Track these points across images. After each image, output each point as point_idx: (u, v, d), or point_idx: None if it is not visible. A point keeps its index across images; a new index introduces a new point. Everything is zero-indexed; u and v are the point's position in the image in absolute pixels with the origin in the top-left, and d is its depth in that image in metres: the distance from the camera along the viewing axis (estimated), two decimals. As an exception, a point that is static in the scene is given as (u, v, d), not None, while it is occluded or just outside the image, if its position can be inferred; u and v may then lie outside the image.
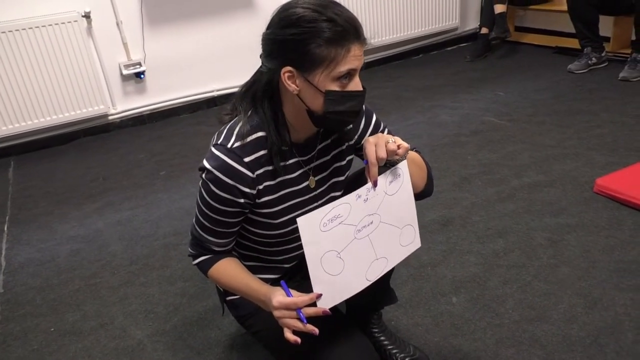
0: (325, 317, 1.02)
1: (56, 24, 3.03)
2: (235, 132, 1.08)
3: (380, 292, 1.40)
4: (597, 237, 1.87)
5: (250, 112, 1.10)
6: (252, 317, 1.28)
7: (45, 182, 2.78)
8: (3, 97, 3.01)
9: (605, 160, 2.38)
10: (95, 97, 3.27)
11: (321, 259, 1.00)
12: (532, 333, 1.49)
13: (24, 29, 2.96)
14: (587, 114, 2.92)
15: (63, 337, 1.66)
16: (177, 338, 1.60)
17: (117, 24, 3.27)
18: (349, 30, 0.96)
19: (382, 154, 1.00)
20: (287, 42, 0.99)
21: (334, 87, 1.00)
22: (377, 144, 1.01)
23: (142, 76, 3.44)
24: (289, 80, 1.02)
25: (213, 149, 1.08)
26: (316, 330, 1.00)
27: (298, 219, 0.96)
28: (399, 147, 1.02)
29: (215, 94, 3.66)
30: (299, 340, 1.00)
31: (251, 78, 1.12)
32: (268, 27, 1.03)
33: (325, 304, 1.02)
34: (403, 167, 1.08)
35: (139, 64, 3.39)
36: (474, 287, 1.70)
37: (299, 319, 1.00)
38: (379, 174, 1.03)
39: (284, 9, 1.01)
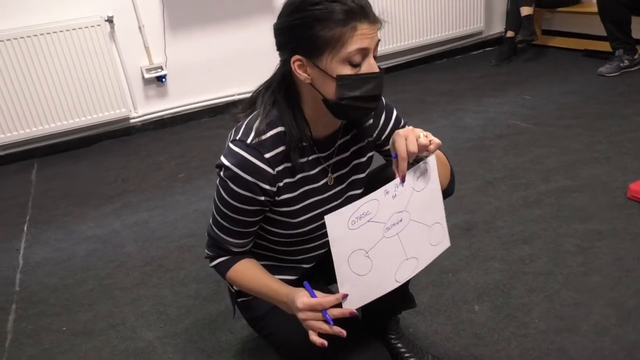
0: (342, 321, 0.96)
1: (79, 28, 3.06)
2: (255, 128, 1.03)
3: (398, 295, 1.33)
4: (631, 245, 1.76)
5: (269, 107, 1.05)
6: (264, 319, 1.23)
7: (65, 184, 2.80)
8: (27, 100, 3.05)
9: (639, 164, 2.27)
10: (117, 100, 3.29)
11: (348, 258, 0.95)
12: (560, 345, 1.40)
13: (48, 33, 2.99)
14: (619, 117, 2.80)
15: (75, 337, 1.63)
16: (188, 341, 1.56)
17: (139, 28, 3.29)
18: (353, 9, 0.91)
19: (413, 148, 0.94)
20: (292, 28, 0.95)
21: (345, 70, 0.94)
22: (408, 138, 0.95)
23: (163, 80, 3.45)
24: (300, 70, 0.98)
25: (231, 145, 1.04)
26: (344, 332, 0.94)
27: (326, 217, 0.92)
28: (430, 142, 0.96)
29: (235, 97, 3.65)
30: (325, 343, 0.94)
31: (272, 75, 1.09)
32: (277, 18, 0.99)
33: (351, 305, 0.97)
34: (431, 162, 1.02)
35: (161, 67, 3.40)
36: (497, 294, 1.61)
37: (325, 320, 0.94)
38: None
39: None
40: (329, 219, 0.92)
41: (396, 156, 0.97)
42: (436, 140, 0.98)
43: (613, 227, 1.88)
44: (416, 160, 1.00)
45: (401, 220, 1.00)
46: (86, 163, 3.08)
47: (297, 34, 0.95)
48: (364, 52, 0.94)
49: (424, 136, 0.96)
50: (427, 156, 1.00)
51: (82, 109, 3.20)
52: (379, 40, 0.97)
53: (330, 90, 0.97)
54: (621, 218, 1.92)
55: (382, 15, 0.97)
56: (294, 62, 0.97)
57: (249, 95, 1.14)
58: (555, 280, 1.65)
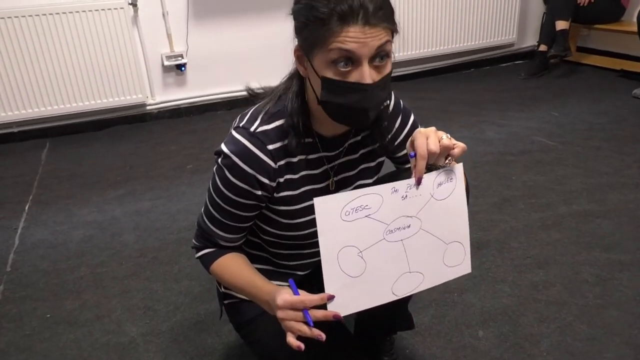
0: (330, 335, 0.87)
1: (102, 10, 3.03)
2: (261, 116, 0.96)
3: (395, 313, 1.24)
4: (655, 280, 1.64)
5: (278, 96, 0.98)
6: (249, 325, 1.15)
7: (74, 166, 2.76)
8: (45, 78, 3.02)
9: (669, 194, 2.13)
10: (135, 86, 3.25)
11: (338, 253, 0.85)
12: (569, 382, 1.29)
13: (71, 12, 2.96)
14: (652, 142, 2.65)
15: (57, 325, 1.57)
16: (172, 340, 1.49)
17: (163, 15, 3.25)
18: (346, 9, 0.80)
19: (435, 147, 0.85)
20: (294, 18, 0.88)
21: (330, 73, 0.85)
22: (430, 137, 0.86)
23: (183, 69, 3.40)
24: (299, 62, 0.91)
25: (234, 132, 0.96)
26: (323, 336, 0.85)
27: (315, 199, 0.82)
28: (454, 145, 0.87)
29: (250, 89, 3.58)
30: (302, 346, 0.85)
31: None
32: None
33: (337, 310, 0.87)
34: (458, 170, 0.91)
35: (181, 56, 3.35)
36: (505, 321, 1.50)
37: (306, 322, 0.85)
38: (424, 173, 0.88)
39: None
40: (318, 202, 0.82)
41: (414, 155, 0.87)
42: (461, 144, 0.88)
43: (637, 258, 1.74)
44: (435, 167, 0.90)
45: (409, 227, 0.90)
46: (97, 146, 3.04)
47: (297, 26, 0.88)
48: (350, 57, 0.83)
49: (448, 138, 0.87)
50: (448, 164, 0.89)
51: (98, 91, 3.17)
52: (384, 50, 0.85)
53: (317, 89, 0.89)
54: (646, 250, 1.79)
55: (400, 21, 0.86)
56: (295, 52, 0.91)
57: (261, 91, 1.07)
58: (569, 311, 1.53)
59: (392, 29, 0.85)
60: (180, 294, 1.69)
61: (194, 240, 1.08)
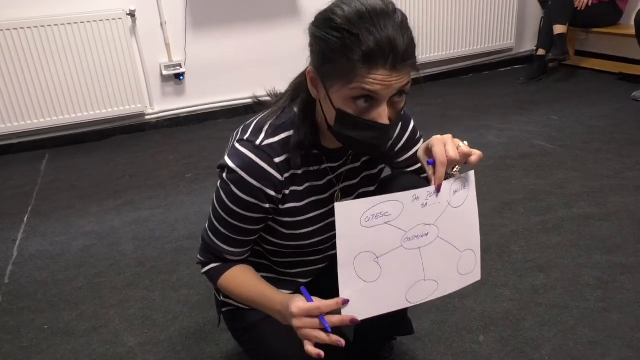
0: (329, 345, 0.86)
1: (101, 20, 3.04)
2: (265, 128, 0.95)
3: (395, 318, 1.22)
4: (657, 282, 1.62)
5: (283, 108, 0.98)
6: (248, 332, 1.14)
7: (73, 176, 2.76)
8: (43, 89, 3.03)
9: (670, 195, 2.12)
10: (133, 95, 3.26)
11: (355, 258, 0.85)
12: (571, 387, 1.27)
13: (69, 24, 2.98)
14: (652, 144, 2.64)
15: (55, 337, 1.56)
16: (170, 350, 1.48)
17: (161, 24, 3.26)
18: (376, 53, 0.79)
19: (454, 154, 0.86)
20: (314, 41, 0.86)
21: (347, 107, 0.84)
22: (447, 144, 0.86)
23: (181, 78, 3.41)
24: (312, 83, 0.89)
25: (238, 145, 0.94)
26: (342, 341, 0.84)
27: (336, 205, 0.82)
28: (471, 152, 0.88)
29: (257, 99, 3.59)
30: (322, 354, 0.84)
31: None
32: (315, 18, 0.89)
33: (352, 314, 0.86)
34: (471, 177, 0.92)
35: (180, 65, 3.36)
36: (506, 325, 1.49)
37: (323, 329, 0.84)
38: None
39: (331, 4, 0.86)
40: (340, 207, 0.83)
41: (433, 162, 0.87)
42: (478, 152, 0.89)
43: (638, 260, 1.73)
44: (447, 176, 0.90)
45: (427, 235, 0.90)
46: (97, 157, 3.04)
47: (320, 49, 0.85)
48: (372, 98, 0.83)
49: (465, 145, 0.87)
50: (456, 171, 0.90)
51: (97, 102, 3.18)
52: (405, 88, 0.84)
53: (330, 117, 0.88)
54: (648, 252, 1.77)
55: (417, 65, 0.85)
56: (308, 73, 0.89)
57: (268, 99, 1.06)
58: (570, 314, 1.51)
59: (415, 69, 0.84)
60: (179, 303, 1.68)
61: (199, 256, 1.07)
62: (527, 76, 3.96)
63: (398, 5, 0.85)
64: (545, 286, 1.64)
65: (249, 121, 1.00)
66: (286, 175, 0.96)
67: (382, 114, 0.84)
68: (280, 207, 0.98)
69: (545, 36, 3.85)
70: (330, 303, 0.85)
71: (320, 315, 0.85)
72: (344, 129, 0.86)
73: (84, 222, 2.25)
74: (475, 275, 0.99)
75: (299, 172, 0.98)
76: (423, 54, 3.91)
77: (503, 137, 2.89)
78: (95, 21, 3.03)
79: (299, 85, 0.98)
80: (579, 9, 3.62)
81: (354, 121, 0.84)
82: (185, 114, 3.52)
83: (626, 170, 2.38)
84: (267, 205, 0.96)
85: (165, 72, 3.33)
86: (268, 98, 1.07)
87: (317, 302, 0.86)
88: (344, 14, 0.81)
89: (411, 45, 0.82)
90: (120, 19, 3.08)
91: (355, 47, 0.79)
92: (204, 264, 1.06)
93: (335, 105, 0.85)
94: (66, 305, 1.70)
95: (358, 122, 0.84)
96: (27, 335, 1.57)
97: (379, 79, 0.80)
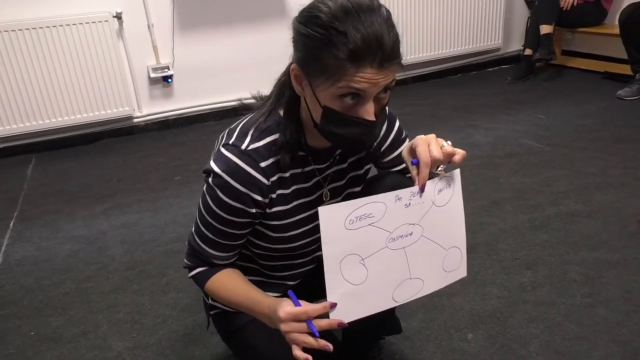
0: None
1: (87, 23, 3.02)
2: (251, 132, 0.95)
3: (383, 318, 1.23)
4: (642, 278, 1.64)
5: (269, 111, 0.97)
6: (237, 334, 1.14)
7: (60, 181, 2.74)
8: (29, 93, 3.00)
9: (655, 192, 2.14)
10: (121, 98, 3.24)
11: (341, 262, 0.85)
12: (558, 383, 1.28)
13: (55, 26, 2.95)
14: (637, 142, 2.67)
15: (41, 343, 1.54)
16: (159, 354, 1.47)
17: (148, 27, 3.25)
18: (364, 51, 0.78)
19: (438, 154, 0.86)
20: (299, 38, 0.85)
21: (334, 104, 0.84)
22: (431, 143, 0.87)
23: (169, 80, 3.39)
24: (296, 80, 0.89)
25: (223, 150, 0.94)
26: (330, 346, 0.84)
27: (320, 209, 0.82)
28: (454, 152, 0.88)
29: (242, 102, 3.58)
30: (310, 358, 0.84)
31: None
32: (299, 13, 0.89)
33: (339, 317, 0.87)
34: (456, 176, 0.93)
35: (167, 67, 3.35)
36: (494, 323, 1.50)
37: (311, 333, 0.85)
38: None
39: (314, 1, 0.86)
40: (323, 211, 0.82)
41: (417, 162, 0.87)
42: (461, 151, 0.89)
43: (624, 257, 1.75)
44: (433, 174, 0.91)
45: (411, 234, 0.91)
46: (85, 161, 3.02)
47: (305, 46, 0.84)
48: (359, 95, 0.83)
49: (448, 144, 0.88)
50: (441, 170, 0.91)
51: (84, 105, 3.16)
52: (390, 85, 0.85)
53: (316, 114, 0.88)
54: (633, 248, 1.79)
55: (402, 60, 0.85)
56: (292, 70, 0.89)
57: (253, 101, 1.06)
58: (557, 311, 1.53)
59: (401, 66, 0.84)
60: (167, 306, 1.67)
61: (185, 260, 1.06)
62: (515, 76, 3.99)
63: (386, 6, 0.85)
64: (533, 283, 1.65)
65: (234, 124, 1.00)
66: (272, 179, 0.96)
67: (369, 111, 0.84)
68: (268, 210, 0.98)
69: (532, 36, 3.88)
70: (317, 307, 0.85)
71: (308, 319, 0.85)
72: (330, 126, 0.86)
73: (71, 227, 2.23)
74: (461, 272, 1.00)
75: (286, 175, 0.98)
76: (411, 55, 3.92)
77: (491, 137, 2.91)
78: (81, 24, 3.01)
79: (284, 84, 0.98)
80: (564, 9, 3.66)
81: (341, 118, 0.85)
82: (173, 117, 3.51)
83: (612, 168, 2.40)
84: (254, 210, 0.95)
85: (153, 75, 3.32)
86: (253, 101, 1.07)
87: (305, 307, 0.86)
88: (329, 10, 0.80)
89: (397, 42, 0.82)
90: (106, 21, 3.06)
91: (342, 44, 0.78)
92: (191, 269, 1.05)
93: (321, 102, 0.85)
94: (53, 311, 1.69)
95: (345, 119, 0.85)
96: (13, 342, 1.56)
97: (366, 78, 0.80)
